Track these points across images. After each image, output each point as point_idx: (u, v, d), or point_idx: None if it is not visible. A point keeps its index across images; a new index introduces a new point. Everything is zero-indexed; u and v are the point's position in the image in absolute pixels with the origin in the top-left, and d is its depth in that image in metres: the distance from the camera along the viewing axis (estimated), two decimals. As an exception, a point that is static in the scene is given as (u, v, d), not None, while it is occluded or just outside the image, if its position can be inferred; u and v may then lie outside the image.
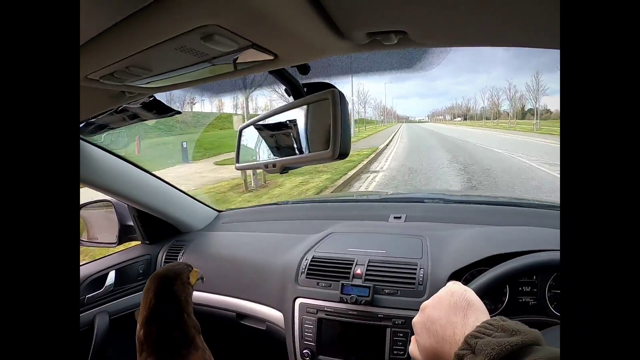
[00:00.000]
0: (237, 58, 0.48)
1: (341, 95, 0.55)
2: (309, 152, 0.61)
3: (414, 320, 0.51)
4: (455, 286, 0.51)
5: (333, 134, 0.54)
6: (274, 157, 0.70)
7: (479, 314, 0.46)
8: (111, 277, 1.26)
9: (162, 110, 0.95)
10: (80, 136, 1.11)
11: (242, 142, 0.81)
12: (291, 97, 0.68)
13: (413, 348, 0.51)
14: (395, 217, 1.27)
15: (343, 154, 0.54)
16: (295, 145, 0.65)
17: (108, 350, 1.21)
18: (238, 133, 0.82)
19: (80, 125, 1.07)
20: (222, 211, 1.53)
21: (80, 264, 1.28)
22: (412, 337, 0.52)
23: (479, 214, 1.24)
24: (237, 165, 0.82)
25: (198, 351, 0.78)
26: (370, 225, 1.27)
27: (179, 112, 0.96)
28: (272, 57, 0.48)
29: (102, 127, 1.09)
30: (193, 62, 0.49)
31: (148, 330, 0.74)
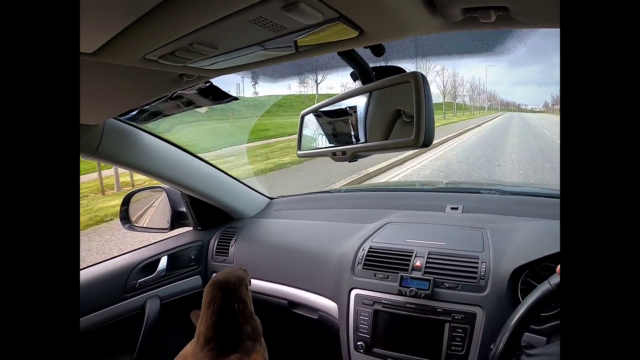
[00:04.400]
0: (316, 33, 0.43)
1: (424, 78, 0.50)
2: (384, 139, 0.57)
3: None
4: None
5: (417, 120, 0.49)
6: (342, 144, 0.66)
7: None
8: (163, 262, 1.28)
9: (219, 97, 0.93)
10: (133, 123, 1.12)
11: (303, 129, 0.78)
12: (357, 82, 0.64)
13: None
14: (452, 208, 1.22)
15: (427, 142, 0.50)
16: (364, 132, 0.61)
17: (158, 334, 1.23)
18: (300, 119, 0.79)
19: (133, 113, 1.07)
20: (273, 198, 1.52)
21: (134, 249, 1.31)
22: None
23: (538, 206, 1.16)
24: (299, 152, 0.79)
25: (262, 349, 0.78)
26: (427, 215, 1.22)
27: (235, 99, 0.93)
28: (356, 34, 0.43)
29: (155, 115, 1.09)
30: (267, 37, 0.45)
31: (217, 330, 0.74)
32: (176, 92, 0.93)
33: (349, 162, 0.62)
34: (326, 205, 1.45)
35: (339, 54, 0.57)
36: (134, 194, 1.39)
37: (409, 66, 0.57)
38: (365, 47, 0.55)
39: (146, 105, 0.99)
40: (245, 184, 1.41)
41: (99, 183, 6.85)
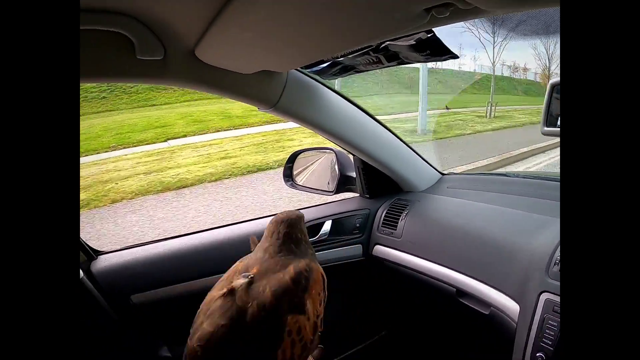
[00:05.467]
0: None
1: None
2: None
3: None
4: None
5: None
6: None
7: None
8: (327, 226, 1.23)
9: (438, 52, 0.77)
10: (317, 77, 1.04)
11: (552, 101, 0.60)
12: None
13: None
14: None
15: None
16: None
17: None
18: (549, 90, 0.61)
19: (323, 65, 0.99)
20: (445, 174, 1.36)
21: (300, 207, 1.28)
22: None
23: None
24: (544, 129, 0.62)
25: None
26: None
27: (455, 56, 0.77)
28: None
29: (346, 69, 0.99)
30: None
31: (285, 247, 0.81)
32: (385, 43, 0.80)
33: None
34: (503, 190, 1.24)
35: None
36: (300, 153, 1.36)
37: None
38: None
39: (343, 56, 0.89)
40: (419, 155, 1.27)
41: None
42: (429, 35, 0.73)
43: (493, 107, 12.67)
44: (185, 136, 8.25)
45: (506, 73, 20.80)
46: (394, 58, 0.86)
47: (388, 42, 0.79)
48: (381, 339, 1.39)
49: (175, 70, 0.83)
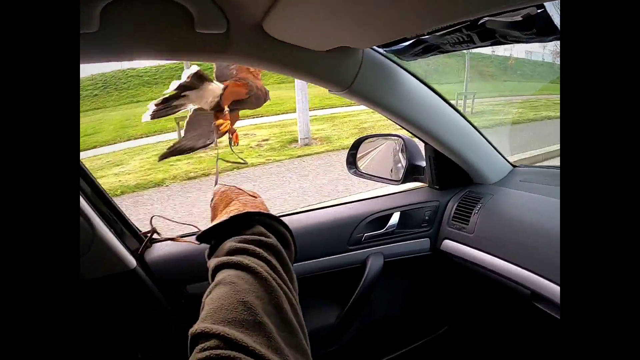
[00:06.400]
0: None
1: None
2: None
3: None
4: None
5: None
6: None
7: None
8: (395, 218, 1.17)
9: (545, 31, 0.68)
10: (394, 58, 0.97)
11: None
12: None
13: None
14: None
15: None
16: None
17: (375, 292, 1.15)
18: None
19: (404, 44, 0.91)
20: (517, 166, 1.25)
21: (364, 197, 1.23)
22: None
23: None
24: None
25: None
26: None
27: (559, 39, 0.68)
28: None
29: (429, 50, 0.91)
30: None
31: None
32: (483, 19, 0.72)
33: None
34: None
35: None
36: (365, 139, 1.30)
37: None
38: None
39: (430, 34, 0.81)
40: (492, 145, 1.17)
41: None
42: (539, 11, 0.64)
43: (470, 100, 10.72)
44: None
45: (548, 59, 18.56)
46: (488, 37, 0.77)
47: (487, 18, 0.71)
48: (442, 334, 1.33)
49: (240, 46, 0.76)
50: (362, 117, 9.78)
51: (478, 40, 0.79)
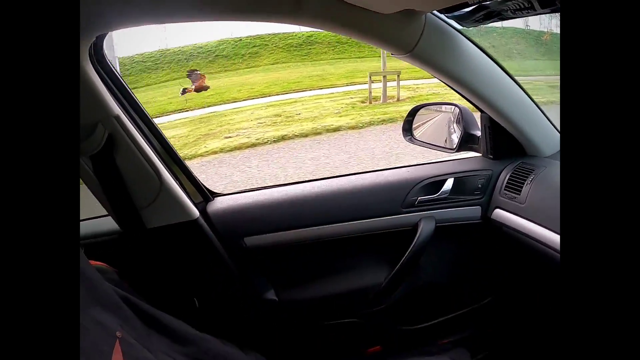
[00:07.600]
0: None
1: None
2: None
3: None
4: None
5: None
6: None
7: None
8: (449, 184, 1.20)
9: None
10: (455, 25, 0.99)
11: None
12: None
13: None
14: None
15: None
16: None
17: (424, 257, 1.20)
18: None
19: (466, 10, 0.93)
20: None
21: (419, 163, 1.27)
22: None
23: None
24: None
25: None
26: None
27: None
28: None
29: (490, 16, 0.92)
30: None
31: None
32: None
33: None
34: None
35: None
36: (422, 107, 1.32)
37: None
38: None
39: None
40: (548, 118, 1.16)
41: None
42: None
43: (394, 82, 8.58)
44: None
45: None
46: (549, 3, 0.78)
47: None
48: (486, 305, 1.35)
49: (311, 9, 0.80)
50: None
51: (539, 6, 0.79)
